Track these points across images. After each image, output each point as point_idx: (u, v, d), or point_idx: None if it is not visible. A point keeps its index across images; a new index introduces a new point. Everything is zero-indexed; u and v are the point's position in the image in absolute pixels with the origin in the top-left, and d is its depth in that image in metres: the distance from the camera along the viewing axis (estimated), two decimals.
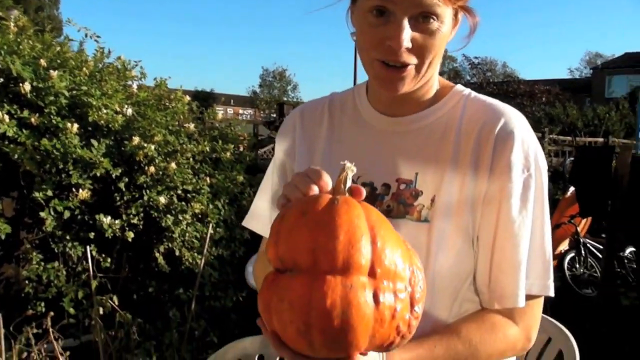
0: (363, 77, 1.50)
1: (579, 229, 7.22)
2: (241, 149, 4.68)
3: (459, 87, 1.30)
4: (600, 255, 6.89)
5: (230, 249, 4.18)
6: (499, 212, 1.16)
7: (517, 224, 1.15)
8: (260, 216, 1.42)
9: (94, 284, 3.35)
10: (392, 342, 0.91)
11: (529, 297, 1.16)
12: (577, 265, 7.04)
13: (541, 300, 1.21)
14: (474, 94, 1.28)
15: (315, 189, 0.97)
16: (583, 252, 7.11)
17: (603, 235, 7.05)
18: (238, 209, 4.28)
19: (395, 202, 1.21)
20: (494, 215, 1.16)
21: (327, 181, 0.98)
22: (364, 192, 0.96)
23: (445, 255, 1.15)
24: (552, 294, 1.18)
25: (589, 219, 7.61)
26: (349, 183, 0.97)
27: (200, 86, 54.10)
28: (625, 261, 6.84)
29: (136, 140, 3.56)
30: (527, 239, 1.16)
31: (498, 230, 1.16)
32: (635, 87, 31.32)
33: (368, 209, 0.92)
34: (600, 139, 15.49)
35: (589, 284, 6.95)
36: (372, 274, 0.87)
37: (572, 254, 7.10)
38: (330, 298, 0.83)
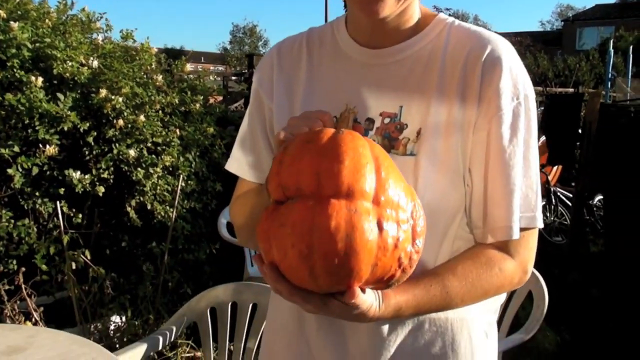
0: None
1: (549, 178, 7.31)
2: (211, 101, 4.62)
3: (442, 15, 1.25)
4: (570, 204, 6.99)
5: (203, 202, 4.16)
6: (489, 142, 1.12)
7: (508, 153, 1.11)
8: (237, 158, 1.37)
9: (66, 239, 3.32)
10: (393, 276, 0.90)
11: (521, 229, 1.13)
12: (548, 214, 7.15)
13: (536, 232, 1.17)
14: (457, 22, 1.23)
15: (320, 124, 0.97)
16: (553, 200, 7.21)
17: (573, 184, 7.14)
18: (209, 162, 4.25)
19: (380, 136, 1.16)
20: (484, 145, 1.12)
21: (330, 116, 0.99)
22: (362, 131, 0.97)
23: (432, 190, 1.11)
24: (540, 225, 1.16)
25: (560, 168, 7.71)
26: (350, 124, 0.97)
27: (170, 44, 53.09)
28: (594, 209, 6.96)
29: (103, 92, 3.50)
30: (519, 169, 1.12)
31: (489, 161, 1.12)
32: (605, 38, 31.43)
33: (371, 142, 0.93)
34: (571, 89, 15.57)
35: (559, 231, 7.07)
36: (376, 201, 0.86)
37: (543, 203, 7.19)
38: (335, 220, 0.82)
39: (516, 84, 1.13)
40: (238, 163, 1.36)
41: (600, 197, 6.91)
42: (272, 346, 1.36)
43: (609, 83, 10.93)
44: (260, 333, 2.25)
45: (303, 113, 1.01)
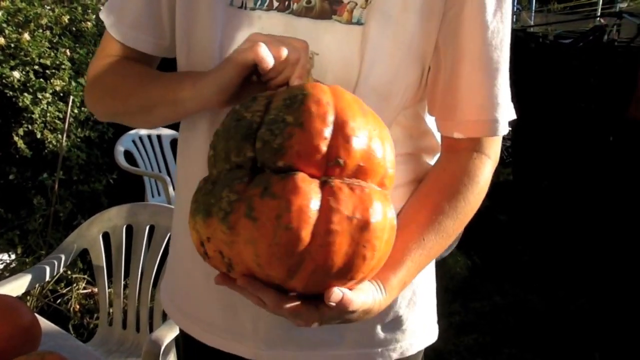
0: None
1: None
2: None
3: None
4: None
5: (98, 130, 3.86)
6: (470, 15, 0.90)
7: (491, 30, 0.91)
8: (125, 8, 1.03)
9: None
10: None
11: None
12: None
13: None
14: None
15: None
16: None
17: None
18: None
19: None
20: (462, 19, 0.91)
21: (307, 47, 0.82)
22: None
23: (383, 68, 0.90)
24: (514, 116, 0.98)
25: None
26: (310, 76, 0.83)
27: None
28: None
29: None
30: (504, 51, 0.93)
31: (465, 39, 0.91)
32: None
33: None
34: None
35: None
36: (382, 184, 0.75)
37: None
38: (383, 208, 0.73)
39: None
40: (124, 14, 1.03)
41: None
42: (184, 253, 1.11)
43: (514, 17, 11.06)
44: (159, 256, 2.06)
45: (278, 37, 0.81)
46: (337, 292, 0.71)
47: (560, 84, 5.16)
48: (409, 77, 0.93)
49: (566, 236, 4.67)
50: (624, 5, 10.46)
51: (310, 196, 0.66)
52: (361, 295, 0.76)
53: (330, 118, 0.69)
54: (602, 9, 9.57)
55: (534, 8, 12.11)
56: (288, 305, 0.72)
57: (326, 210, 0.66)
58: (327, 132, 0.69)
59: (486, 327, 3.48)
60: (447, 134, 0.98)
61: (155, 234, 2.07)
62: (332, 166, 0.69)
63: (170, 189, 3.51)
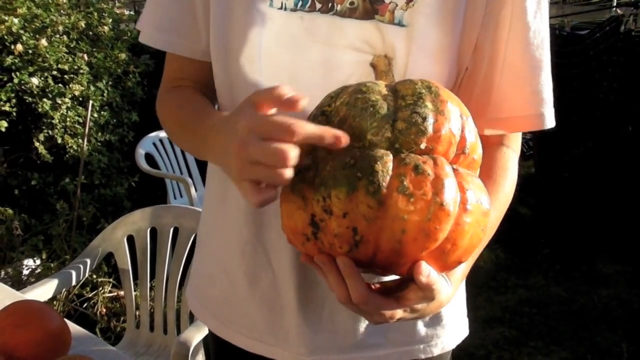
0: None
1: None
2: (122, 26, 4.26)
3: None
4: None
5: (119, 134, 3.87)
6: (512, 15, 0.91)
7: (533, 30, 0.92)
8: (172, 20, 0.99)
9: None
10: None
11: None
12: None
13: None
14: None
15: None
16: None
17: None
18: (123, 91, 3.94)
19: None
20: (500, 18, 0.92)
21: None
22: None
23: (424, 70, 0.89)
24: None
25: None
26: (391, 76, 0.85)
27: None
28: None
29: None
30: (546, 49, 0.94)
31: (508, 38, 0.93)
32: None
33: None
34: None
35: None
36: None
37: None
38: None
39: None
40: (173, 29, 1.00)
41: None
42: (219, 257, 1.08)
43: None
44: (184, 258, 2.05)
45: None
46: (426, 266, 0.69)
47: (578, 75, 5.11)
48: (446, 77, 0.93)
49: (589, 227, 4.63)
50: None
51: (453, 178, 0.70)
52: (441, 279, 0.74)
53: (458, 111, 0.75)
54: None
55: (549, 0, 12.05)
56: (374, 297, 0.72)
57: (463, 193, 0.70)
58: (460, 122, 0.74)
59: (511, 321, 3.45)
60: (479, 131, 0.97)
61: (179, 235, 2.07)
62: (458, 154, 0.74)
63: (193, 190, 3.51)
